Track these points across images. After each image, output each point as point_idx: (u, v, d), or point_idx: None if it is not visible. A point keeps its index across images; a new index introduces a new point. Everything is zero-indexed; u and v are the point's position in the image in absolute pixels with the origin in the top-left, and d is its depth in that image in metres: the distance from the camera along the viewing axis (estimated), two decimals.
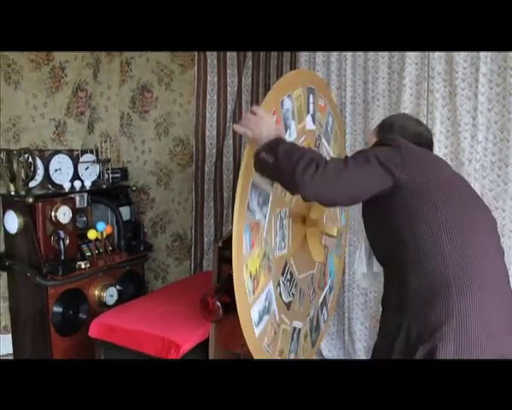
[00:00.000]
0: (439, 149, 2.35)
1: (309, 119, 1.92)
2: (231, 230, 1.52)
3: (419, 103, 2.43)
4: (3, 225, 2.59)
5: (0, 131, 2.93)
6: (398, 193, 1.29)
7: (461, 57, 2.28)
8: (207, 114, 3.25)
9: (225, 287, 1.85)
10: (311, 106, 1.95)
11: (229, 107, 3.25)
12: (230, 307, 1.80)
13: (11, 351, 2.75)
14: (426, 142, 1.53)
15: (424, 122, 1.66)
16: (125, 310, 2.31)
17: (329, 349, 2.95)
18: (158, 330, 2.01)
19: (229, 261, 1.85)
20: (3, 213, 2.59)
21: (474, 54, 2.25)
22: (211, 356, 1.95)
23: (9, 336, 2.79)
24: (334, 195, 1.29)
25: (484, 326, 1.17)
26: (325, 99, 2.10)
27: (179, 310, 2.24)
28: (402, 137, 1.46)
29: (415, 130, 1.54)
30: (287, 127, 1.72)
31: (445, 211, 1.26)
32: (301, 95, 1.82)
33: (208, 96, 3.24)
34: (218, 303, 1.77)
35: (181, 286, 2.72)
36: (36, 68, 2.99)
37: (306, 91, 1.88)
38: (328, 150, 2.16)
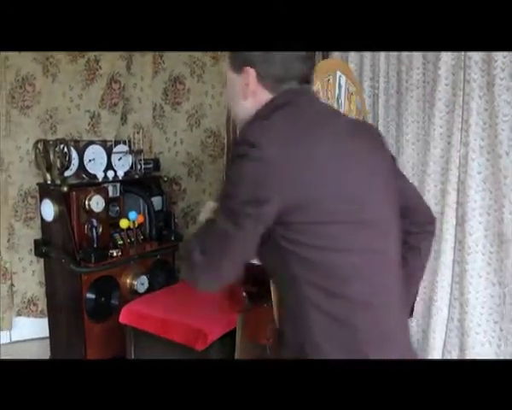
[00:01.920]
0: (475, 140, 2.26)
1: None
2: None
3: (455, 93, 2.34)
4: (40, 213, 2.68)
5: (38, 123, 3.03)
6: (272, 229, 0.95)
7: None
8: None
9: (252, 277, 1.85)
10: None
11: None
12: (257, 297, 1.80)
13: (47, 334, 2.86)
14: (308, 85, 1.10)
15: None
16: (155, 298, 2.35)
17: None
18: (186, 319, 2.04)
19: None
20: (40, 201, 2.67)
21: None
22: (237, 346, 1.96)
23: (46, 319, 2.89)
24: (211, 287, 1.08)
25: None
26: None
27: (208, 299, 2.26)
28: (285, 83, 1.05)
29: (301, 73, 1.07)
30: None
31: (329, 249, 0.93)
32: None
33: None
34: (244, 293, 1.77)
35: None
36: (72, 61, 3.07)
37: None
38: None
